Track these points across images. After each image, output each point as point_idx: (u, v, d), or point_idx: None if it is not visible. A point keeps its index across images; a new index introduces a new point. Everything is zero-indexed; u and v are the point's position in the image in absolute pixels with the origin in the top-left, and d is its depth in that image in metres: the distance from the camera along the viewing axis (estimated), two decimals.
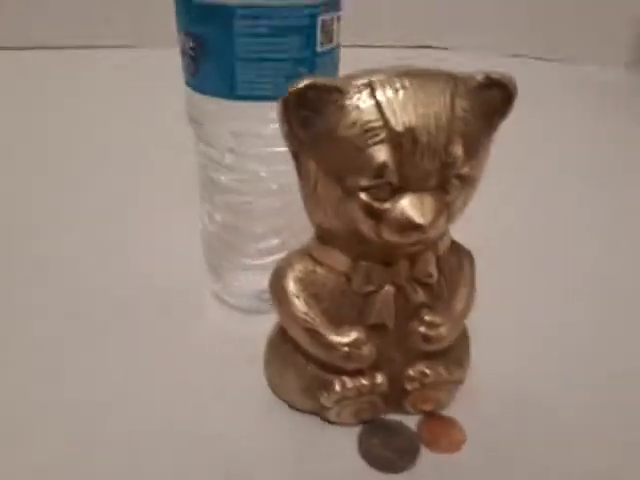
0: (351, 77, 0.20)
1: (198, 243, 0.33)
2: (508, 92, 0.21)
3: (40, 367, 0.28)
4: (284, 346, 0.25)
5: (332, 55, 0.26)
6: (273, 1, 0.23)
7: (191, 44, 0.25)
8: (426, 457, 0.25)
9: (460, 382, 0.26)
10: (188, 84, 0.26)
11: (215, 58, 0.24)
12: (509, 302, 0.33)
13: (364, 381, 0.24)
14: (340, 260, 0.23)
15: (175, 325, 0.31)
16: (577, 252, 0.40)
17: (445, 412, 0.26)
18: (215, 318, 0.32)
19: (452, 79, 0.20)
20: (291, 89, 0.19)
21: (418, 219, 0.20)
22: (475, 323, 0.31)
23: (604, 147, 0.59)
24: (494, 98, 0.21)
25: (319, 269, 0.24)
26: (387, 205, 0.20)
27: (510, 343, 0.31)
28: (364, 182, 0.20)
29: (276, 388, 0.27)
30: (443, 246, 0.24)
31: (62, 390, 0.27)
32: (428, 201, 0.20)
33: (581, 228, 0.43)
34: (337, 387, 0.24)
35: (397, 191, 0.20)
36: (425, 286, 0.24)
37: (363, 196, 0.20)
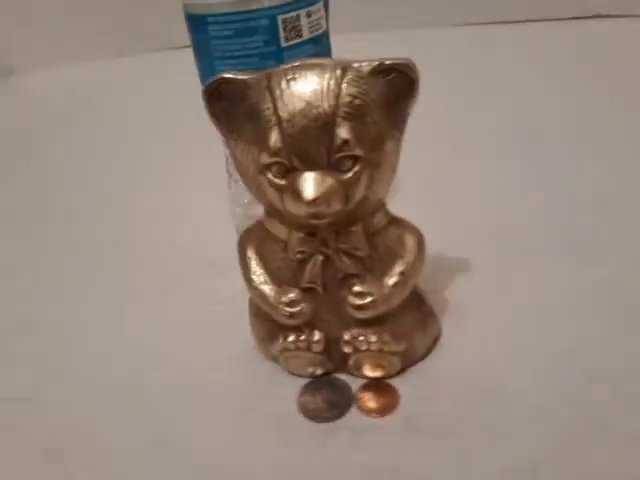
0: (261, 72, 0.24)
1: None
2: (408, 76, 0.22)
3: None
4: (254, 301, 0.30)
5: (304, 47, 0.29)
6: (236, 8, 0.27)
7: (192, 46, 0.30)
8: (354, 415, 0.27)
9: (395, 353, 0.27)
10: (200, 79, 0.32)
11: (203, 57, 0.30)
12: (492, 287, 0.33)
13: (302, 337, 0.27)
14: (279, 230, 0.27)
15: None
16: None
17: (392, 381, 0.28)
18: None
19: (341, 68, 0.22)
20: (205, 84, 0.24)
21: (304, 194, 0.23)
22: (465, 299, 0.31)
23: None
24: (395, 83, 0.23)
25: (269, 237, 0.27)
26: (284, 181, 0.23)
27: (497, 327, 0.30)
28: (264, 160, 0.23)
29: (253, 336, 0.31)
30: (378, 222, 0.26)
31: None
32: (317, 179, 0.23)
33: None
34: (280, 339, 0.28)
35: (292, 170, 0.23)
36: (354, 258, 0.26)
37: (267, 173, 0.24)
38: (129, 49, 0.86)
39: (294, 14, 0.28)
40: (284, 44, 0.28)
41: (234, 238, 0.38)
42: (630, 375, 0.27)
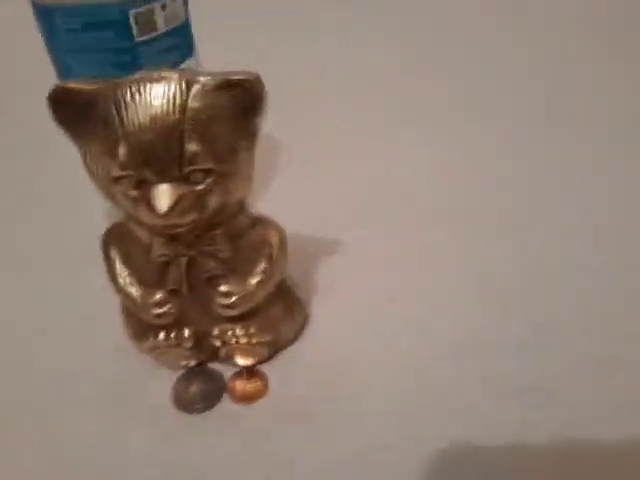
0: (108, 81, 0.23)
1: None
2: (254, 92, 0.23)
3: None
4: None
5: (161, 40, 0.28)
6: (83, 1, 0.26)
7: (42, 39, 0.29)
8: (225, 405, 0.29)
9: (263, 344, 0.29)
10: (54, 69, 0.30)
11: (54, 49, 0.28)
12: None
13: (172, 335, 0.28)
14: (141, 233, 0.27)
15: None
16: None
17: (263, 367, 0.30)
18: None
19: (185, 81, 0.22)
20: (48, 93, 0.23)
21: (156, 207, 0.23)
22: (333, 280, 0.33)
23: None
24: (241, 98, 0.23)
25: (131, 239, 0.27)
26: (136, 193, 0.23)
27: (363, 308, 0.33)
28: (114, 173, 0.23)
29: (125, 330, 0.32)
30: (240, 224, 0.27)
31: None
32: (169, 192, 0.23)
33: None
34: (150, 337, 0.28)
35: (144, 182, 0.23)
36: (218, 259, 0.27)
37: (119, 185, 0.23)
38: None
39: (147, 7, 0.27)
40: (138, 38, 0.27)
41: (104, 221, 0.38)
42: (478, 349, 0.30)
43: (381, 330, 0.31)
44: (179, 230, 0.25)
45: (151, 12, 0.27)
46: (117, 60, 0.27)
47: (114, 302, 0.30)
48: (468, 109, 0.51)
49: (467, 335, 0.31)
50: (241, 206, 0.27)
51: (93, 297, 0.34)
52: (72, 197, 0.43)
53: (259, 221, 0.28)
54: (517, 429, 0.26)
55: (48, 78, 0.32)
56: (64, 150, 0.41)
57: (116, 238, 0.28)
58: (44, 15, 0.27)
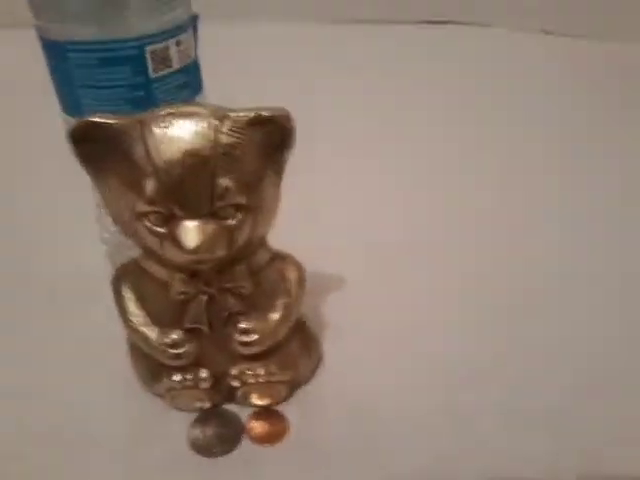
0: (134, 115, 0.22)
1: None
2: (284, 128, 0.23)
3: None
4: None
5: (174, 77, 0.28)
6: (98, 36, 0.25)
7: (50, 72, 0.28)
8: (246, 447, 0.27)
9: (283, 382, 0.28)
10: (60, 105, 0.30)
11: (64, 85, 0.27)
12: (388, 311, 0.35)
13: (188, 376, 0.27)
14: (159, 271, 0.26)
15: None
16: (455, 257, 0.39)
17: (281, 408, 0.29)
18: None
19: (217, 117, 0.22)
20: (71, 128, 0.22)
21: (185, 243, 0.22)
22: (339, 327, 0.33)
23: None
24: (272, 133, 0.23)
25: (146, 276, 0.27)
26: (164, 230, 0.23)
27: (374, 344, 0.32)
28: (140, 208, 0.22)
29: (134, 372, 0.30)
30: (260, 259, 0.26)
31: None
32: (198, 227, 0.22)
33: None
34: (165, 379, 0.27)
35: (172, 217, 0.23)
36: (238, 295, 0.26)
37: (145, 220, 0.23)
38: None
39: (163, 45, 0.27)
40: (153, 75, 0.27)
41: (103, 260, 0.37)
42: (495, 379, 0.30)
43: (395, 366, 0.31)
44: (203, 267, 0.24)
45: (166, 49, 0.27)
46: (131, 96, 0.27)
47: (119, 344, 0.30)
48: (478, 146, 0.52)
49: (480, 366, 0.31)
50: (262, 241, 0.26)
51: (94, 333, 0.33)
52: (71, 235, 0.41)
53: (278, 256, 0.27)
54: (540, 457, 0.26)
55: (51, 115, 0.31)
56: (64, 186, 0.42)
57: (129, 276, 0.27)
58: (55, 50, 0.26)
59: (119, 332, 0.29)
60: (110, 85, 0.26)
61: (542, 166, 0.49)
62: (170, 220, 0.23)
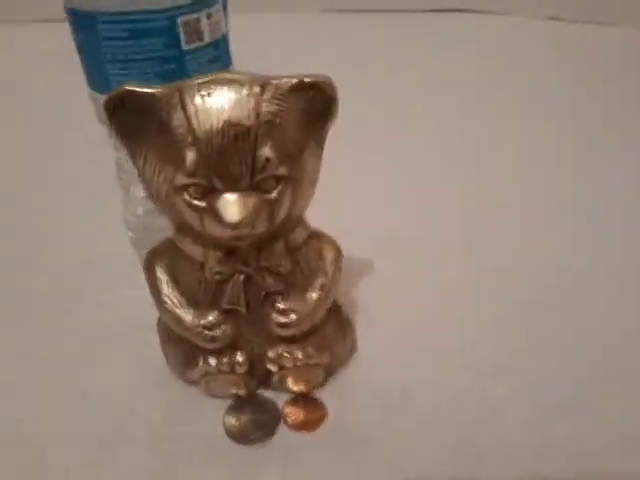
0: (170, 85, 0.22)
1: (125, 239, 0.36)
2: (327, 94, 0.22)
3: None
4: (164, 324, 0.28)
5: (206, 51, 0.27)
6: (129, 7, 0.24)
7: (77, 45, 0.27)
8: (283, 433, 0.26)
9: (320, 366, 0.27)
10: (87, 81, 0.29)
11: (92, 60, 0.26)
12: (420, 297, 0.34)
13: (224, 359, 0.26)
14: (194, 250, 0.25)
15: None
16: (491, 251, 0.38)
17: (316, 393, 0.28)
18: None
19: (259, 85, 0.21)
20: (107, 96, 0.21)
21: (227, 217, 0.21)
22: (370, 311, 0.32)
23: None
24: (315, 100, 0.22)
25: (180, 257, 0.26)
26: (204, 202, 0.22)
27: (406, 336, 0.31)
28: (180, 181, 0.22)
29: (166, 360, 0.29)
30: (298, 237, 0.25)
31: None
32: (240, 200, 0.21)
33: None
34: (200, 363, 0.26)
35: (212, 190, 0.22)
36: (276, 274, 0.25)
37: (184, 193, 0.22)
38: None
39: (195, 16, 0.26)
40: (185, 47, 0.26)
41: (129, 246, 0.36)
42: (521, 367, 0.29)
43: (428, 352, 0.30)
44: (243, 243, 0.23)
45: (198, 21, 0.26)
46: (162, 69, 0.26)
47: (148, 323, 0.29)
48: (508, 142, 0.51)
49: (512, 356, 0.30)
50: (300, 218, 0.25)
51: (123, 321, 0.32)
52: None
53: (315, 235, 0.26)
54: (572, 440, 0.25)
55: (78, 91, 0.30)
56: (87, 171, 0.41)
57: (162, 257, 0.26)
58: (84, 23, 0.25)
59: (149, 320, 0.29)
60: (141, 58, 0.26)
61: (557, 158, 0.47)
62: (210, 193, 0.22)
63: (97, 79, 0.27)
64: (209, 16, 0.26)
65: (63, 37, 0.29)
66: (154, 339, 0.29)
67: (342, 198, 0.39)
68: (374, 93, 0.56)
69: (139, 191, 0.31)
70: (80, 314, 0.33)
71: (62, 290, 0.35)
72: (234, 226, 0.21)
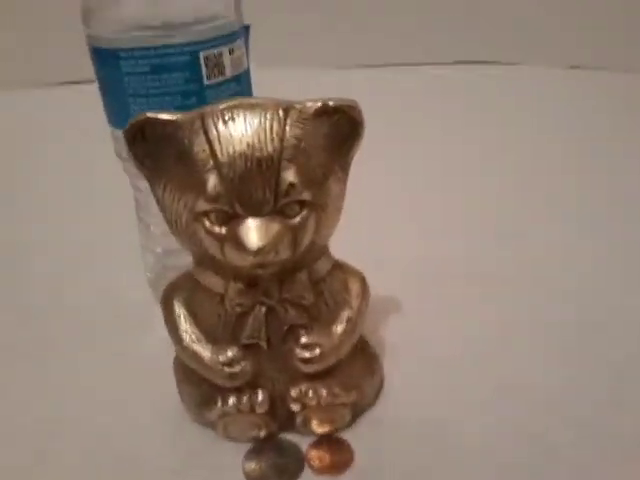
0: (191, 111, 0.21)
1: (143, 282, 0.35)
2: (353, 118, 0.21)
3: None
4: (181, 363, 0.27)
5: (228, 85, 0.27)
6: (151, 43, 0.25)
7: (99, 83, 0.27)
8: (307, 477, 0.25)
9: (347, 405, 0.25)
10: (107, 119, 0.29)
11: (113, 95, 0.27)
12: (441, 331, 0.32)
13: (244, 398, 0.25)
14: (214, 282, 0.24)
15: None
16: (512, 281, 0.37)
17: (342, 435, 0.26)
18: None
19: (283, 109, 0.21)
20: (128, 124, 0.21)
21: (249, 244, 0.21)
22: (398, 348, 0.31)
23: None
24: (340, 125, 0.22)
25: (199, 290, 0.25)
26: (225, 229, 0.21)
27: (435, 369, 0.30)
28: (201, 207, 0.21)
29: (182, 401, 0.28)
30: (322, 268, 0.25)
31: None
32: (262, 226, 0.21)
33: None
34: (219, 403, 0.25)
35: (234, 216, 0.21)
36: (300, 307, 0.24)
37: (204, 220, 0.21)
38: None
39: (217, 51, 0.26)
40: (207, 82, 0.26)
41: (146, 289, 0.35)
42: (559, 398, 0.28)
43: (456, 390, 0.28)
44: (266, 271, 0.22)
45: (220, 55, 0.26)
46: (184, 104, 0.26)
47: (163, 366, 0.28)
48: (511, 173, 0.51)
49: (543, 389, 0.28)
50: (325, 247, 0.25)
51: (137, 364, 0.31)
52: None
53: (339, 266, 0.26)
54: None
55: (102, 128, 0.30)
56: (107, 214, 0.41)
57: (180, 291, 0.25)
58: (106, 58, 0.26)
59: (165, 363, 0.28)
60: (162, 92, 0.26)
61: (575, 203, 0.46)
62: (231, 219, 0.21)
63: (118, 115, 0.27)
64: (231, 51, 0.27)
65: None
66: (169, 382, 0.28)
67: (366, 232, 0.39)
68: (397, 143, 0.57)
69: (158, 229, 0.31)
70: (95, 358, 0.32)
71: (77, 333, 0.34)
72: (256, 252, 0.21)
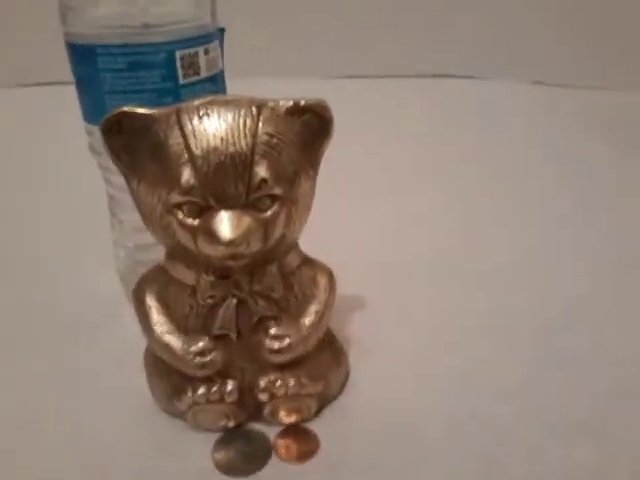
0: (168, 107, 0.22)
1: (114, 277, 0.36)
2: (322, 116, 0.23)
3: None
4: (152, 354, 0.27)
5: (203, 85, 0.28)
6: (129, 40, 0.25)
7: (75, 79, 0.28)
8: (274, 465, 0.25)
9: (313, 395, 0.26)
10: (82, 115, 0.29)
11: (89, 92, 0.27)
12: (409, 321, 0.34)
13: (214, 388, 0.25)
14: (185, 274, 0.25)
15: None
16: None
17: (309, 425, 0.27)
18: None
19: (256, 106, 0.22)
20: (104, 118, 0.22)
21: (221, 235, 0.22)
22: (363, 343, 0.32)
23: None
24: (310, 123, 0.23)
25: (171, 283, 0.25)
26: (198, 221, 0.22)
27: (399, 359, 0.31)
28: (175, 200, 0.22)
29: (151, 392, 0.28)
30: (291, 262, 0.26)
31: None
32: (234, 218, 0.22)
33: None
34: (189, 393, 0.26)
35: (207, 209, 0.22)
36: (269, 299, 0.25)
37: (178, 213, 0.22)
38: None
39: (192, 50, 0.27)
40: (182, 81, 0.27)
41: (116, 284, 0.35)
42: (521, 388, 0.29)
43: (420, 383, 0.30)
44: (239, 263, 0.23)
45: (195, 55, 0.27)
46: (160, 102, 0.26)
47: (132, 361, 0.28)
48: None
49: (517, 379, 0.30)
50: (294, 242, 0.26)
51: (106, 359, 0.31)
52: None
53: (308, 261, 0.27)
54: (583, 467, 0.25)
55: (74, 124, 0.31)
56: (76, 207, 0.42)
57: (152, 284, 0.26)
58: (83, 55, 0.26)
59: (135, 357, 0.28)
60: (138, 90, 0.26)
61: (535, 206, 0.49)
62: (204, 212, 0.22)
63: (94, 111, 0.28)
64: (206, 51, 0.27)
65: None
66: (139, 375, 0.28)
67: (334, 231, 0.40)
68: (365, 148, 0.58)
69: (130, 224, 0.32)
70: (66, 351, 0.32)
71: (48, 326, 0.34)
72: (228, 244, 0.22)
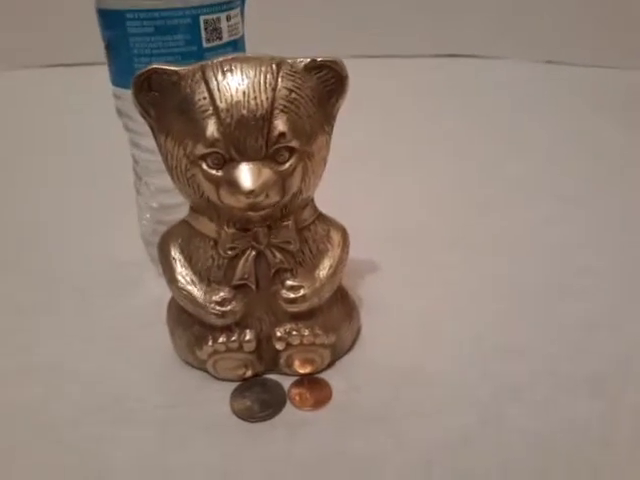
0: (193, 64, 0.24)
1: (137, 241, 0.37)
2: (338, 73, 0.24)
3: None
4: (175, 306, 0.29)
5: (224, 50, 0.29)
6: (157, 4, 0.27)
7: (105, 44, 0.29)
8: (289, 412, 0.27)
9: (326, 347, 0.28)
10: (111, 79, 0.31)
11: (118, 55, 0.29)
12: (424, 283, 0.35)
13: (233, 337, 0.27)
14: (208, 227, 0.26)
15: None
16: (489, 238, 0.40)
17: (322, 375, 0.28)
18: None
19: (276, 63, 0.23)
20: (136, 74, 0.23)
21: (243, 184, 0.23)
22: (375, 303, 0.33)
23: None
24: (327, 80, 0.24)
25: (194, 236, 0.27)
26: (221, 172, 0.23)
27: (410, 318, 0.32)
28: (199, 151, 0.23)
29: (174, 345, 0.30)
30: (307, 217, 0.27)
31: None
32: (255, 169, 0.23)
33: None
34: (209, 342, 0.27)
35: (230, 160, 0.23)
36: (286, 252, 0.26)
37: (202, 164, 0.23)
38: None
39: (215, 16, 0.28)
40: (205, 45, 0.28)
41: (140, 247, 0.37)
42: (530, 346, 0.30)
43: (431, 339, 0.31)
44: (258, 213, 0.24)
45: (218, 20, 0.28)
46: (183, 65, 0.28)
47: (155, 319, 0.30)
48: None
49: (512, 336, 0.31)
50: (310, 198, 0.27)
51: (131, 317, 0.33)
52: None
53: (322, 217, 0.28)
54: (593, 422, 0.26)
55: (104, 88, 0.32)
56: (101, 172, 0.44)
57: (176, 237, 0.27)
58: (113, 20, 0.28)
59: (156, 317, 0.30)
60: (164, 53, 0.28)
61: (546, 182, 0.49)
62: (227, 164, 0.23)
63: (123, 74, 0.29)
64: (228, 18, 0.29)
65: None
66: (160, 333, 0.30)
67: (350, 196, 0.42)
68: (387, 124, 0.60)
69: (154, 186, 0.33)
70: (90, 311, 0.34)
71: (74, 288, 0.36)
72: (249, 193, 0.23)
